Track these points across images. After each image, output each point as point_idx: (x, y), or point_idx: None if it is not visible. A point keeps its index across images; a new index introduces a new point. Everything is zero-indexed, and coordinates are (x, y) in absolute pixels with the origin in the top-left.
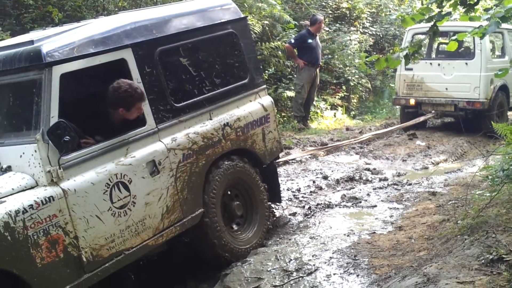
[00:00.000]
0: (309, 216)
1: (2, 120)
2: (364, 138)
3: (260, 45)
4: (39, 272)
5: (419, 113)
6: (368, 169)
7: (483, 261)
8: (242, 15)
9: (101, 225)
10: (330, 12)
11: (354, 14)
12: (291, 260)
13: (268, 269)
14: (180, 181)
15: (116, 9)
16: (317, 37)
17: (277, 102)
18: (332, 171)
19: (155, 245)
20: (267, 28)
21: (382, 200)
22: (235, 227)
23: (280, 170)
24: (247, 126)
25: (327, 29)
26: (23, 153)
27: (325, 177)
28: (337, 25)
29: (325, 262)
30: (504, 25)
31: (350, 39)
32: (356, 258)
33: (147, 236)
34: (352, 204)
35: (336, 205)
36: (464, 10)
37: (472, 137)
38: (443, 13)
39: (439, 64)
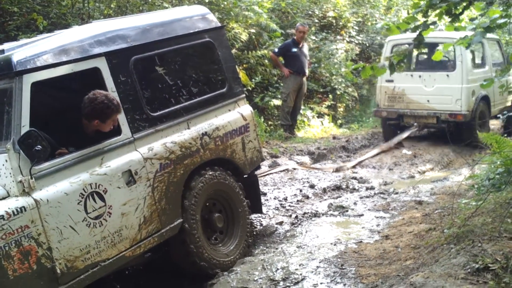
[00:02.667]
0: (296, 225)
1: None
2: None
3: (246, 54)
4: (11, 284)
5: (401, 125)
6: (355, 178)
7: (469, 270)
8: (219, 24)
9: (75, 236)
10: (316, 21)
11: (341, 23)
12: (278, 269)
13: (255, 279)
14: (158, 191)
15: (102, 16)
16: (304, 46)
17: (264, 110)
18: (319, 180)
19: (132, 256)
20: (253, 36)
21: (368, 209)
22: (215, 239)
23: (267, 178)
24: (226, 135)
25: (314, 37)
26: None
27: (312, 186)
28: (324, 34)
29: (312, 271)
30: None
31: (337, 48)
32: (343, 267)
33: (124, 247)
34: (339, 213)
35: (323, 214)
36: (449, 20)
37: (458, 146)
38: (429, 22)
39: (420, 76)
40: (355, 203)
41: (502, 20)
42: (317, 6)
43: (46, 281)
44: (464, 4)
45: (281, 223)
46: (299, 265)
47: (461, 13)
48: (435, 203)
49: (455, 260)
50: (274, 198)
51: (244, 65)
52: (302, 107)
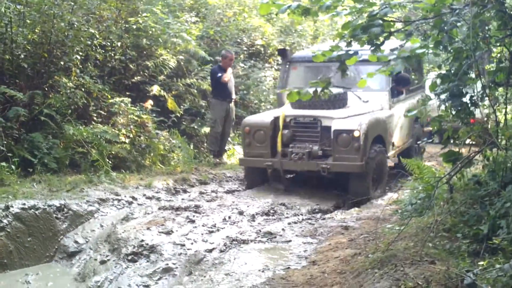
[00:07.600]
0: (224, 252)
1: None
2: None
3: (176, 81)
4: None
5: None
6: (283, 204)
7: None
8: None
9: (396, 132)
10: (245, 48)
11: (269, 51)
12: None
13: None
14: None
15: (25, 42)
16: (230, 72)
17: (192, 137)
18: (248, 206)
19: (401, 148)
20: (182, 63)
21: (296, 235)
22: None
23: (199, 203)
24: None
25: (242, 65)
26: (378, 96)
27: (241, 213)
28: (252, 61)
29: None
30: None
31: (265, 76)
32: None
33: (401, 143)
34: (267, 239)
35: (251, 241)
36: (371, 49)
37: None
38: (351, 52)
39: None
40: (283, 229)
41: (420, 50)
42: (245, 34)
43: (391, 147)
44: (385, 35)
45: (209, 250)
46: None
47: (382, 44)
48: (361, 228)
49: (378, 284)
50: (202, 225)
51: (173, 92)
52: (232, 133)
